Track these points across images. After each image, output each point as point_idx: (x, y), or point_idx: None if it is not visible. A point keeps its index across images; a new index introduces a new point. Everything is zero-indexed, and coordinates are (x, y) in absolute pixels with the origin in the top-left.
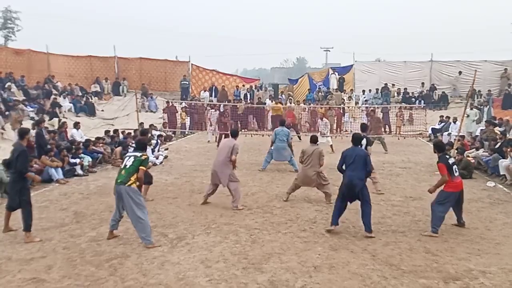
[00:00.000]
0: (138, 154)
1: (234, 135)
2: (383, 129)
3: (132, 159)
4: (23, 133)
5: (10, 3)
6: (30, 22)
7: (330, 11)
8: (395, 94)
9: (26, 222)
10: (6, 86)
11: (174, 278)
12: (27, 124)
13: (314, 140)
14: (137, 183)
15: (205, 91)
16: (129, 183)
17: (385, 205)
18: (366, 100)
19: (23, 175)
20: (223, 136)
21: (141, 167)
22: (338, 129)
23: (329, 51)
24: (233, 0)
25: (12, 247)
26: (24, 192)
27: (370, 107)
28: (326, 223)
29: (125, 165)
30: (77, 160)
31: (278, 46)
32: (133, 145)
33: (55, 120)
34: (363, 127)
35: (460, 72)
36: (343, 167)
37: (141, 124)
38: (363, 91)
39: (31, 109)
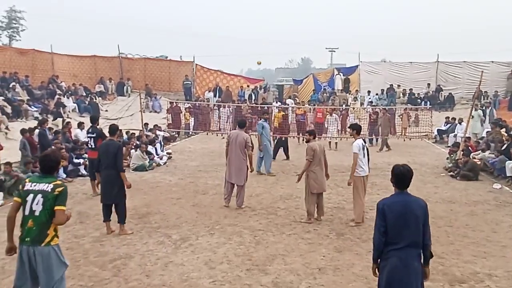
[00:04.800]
0: (47, 185)
1: (242, 126)
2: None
3: (40, 198)
4: (115, 129)
5: (14, 3)
6: (34, 22)
7: (335, 11)
8: (401, 95)
9: (122, 216)
10: (10, 86)
11: (177, 279)
12: (31, 124)
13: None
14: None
15: (209, 91)
16: (46, 240)
17: None
18: (371, 102)
19: (121, 172)
20: None
21: (58, 208)
22: (343, 130)
23: (334, 51)
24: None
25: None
26: (123, 187)
27: (375, 109)
28: (330, 225)
29: (32, 210)
30: (81, 160)
31: (283, 47)
32: (134, 146)
33: (59, 120)
34: (357, 128)
35: None
36: (384, 237)
37: (145, 124)
38: (369, 91)
39: (35, 109)
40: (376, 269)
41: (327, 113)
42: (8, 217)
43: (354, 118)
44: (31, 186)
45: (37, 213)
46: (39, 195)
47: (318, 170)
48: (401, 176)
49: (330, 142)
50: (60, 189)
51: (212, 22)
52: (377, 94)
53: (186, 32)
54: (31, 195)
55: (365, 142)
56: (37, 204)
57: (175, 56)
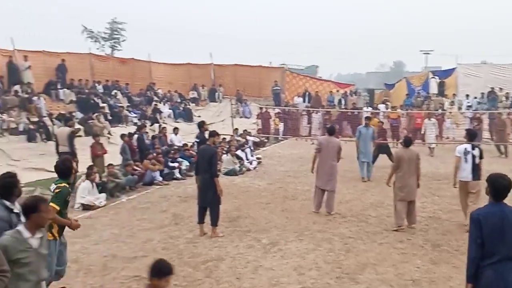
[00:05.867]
0: (53, 186)
1: (332, 132)
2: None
3: (49, 197)
4: (212, 135)
5: (116, 15)
6: (134, 33)
7: (429, 11)
8: (503, 99)
9: (215, 219)
10: (112, 93)
11: (267, 284)
12: (130, 129)
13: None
14: (54, 230)
15: (298, 96)
16: None
17: None
18: (470, 106)
19: (214, 177)
20: None
21: (51, 205)
22: (439, 136)
23: (429, 54)
24: (323, 2)
25: (117, 245)
26: (216, 192)
27: (476, 114)
28: (425, 235)
29: None
30: (176, 164)
31: (374, 50)
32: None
33: (156, 125)
34: (472, 134)
35: None
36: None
37: (236, 129)
38: (467, 95)
39: (134, 115)
40: None
41: (426, 118)
42: None
43: (451, 123)
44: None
45: None
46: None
47: (404, 178)
48: (502, 188)
49: (429, 148)
50: (57, 190)
51: (306, 28)
52: (475, 98)
53: (279, 40)
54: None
55: (473, 148)
56: None
57: (268, 62)
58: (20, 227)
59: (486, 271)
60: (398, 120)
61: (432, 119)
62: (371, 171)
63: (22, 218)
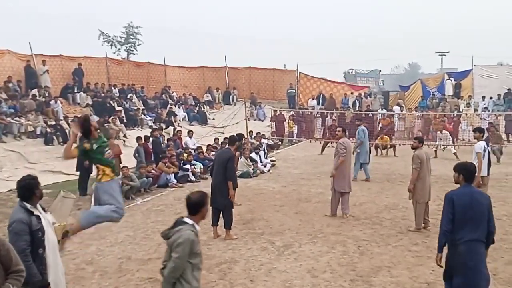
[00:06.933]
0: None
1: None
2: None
3: None
4: (232, 140)
5: (132, 19)
6: (149, 37)
7: (445, 12)
8: None
9: (228, 221)
10: (128, 96)
11: (281, 286)
12: (146, 132)
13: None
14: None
15: (313, 99)
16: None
17: (509, 220)
18: (486, 108)
19: (228, 180)
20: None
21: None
22: (454, 138)
23: (444, 55)
24: (334, 2)
25: (132, 247)
26: (228, 195)
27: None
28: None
29: None
30: (190, 167)
31: (388, 52)
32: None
33: (171, 128)
34: (482, 129)
35: None
36: (451, 224)
37: (250, 132)
38: (483, 97)
39: (149, 118)
40: (440, 259)
41: (438, 131)
42: None
43: (467, 125)
44: None
45: None
46: None
47: (424, 178)
48: (474, 171)
49: (436, 151)
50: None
51: (313, 30)
52: (491, 98)
53: (288, 41)
54: None
55: (487, 145)
56: None
57: (282, 65)
58: (190, 221)
59: (459, 246)
60: (390, 126)
61: (444, 131)
62: (356, 171)
63: (50, 218)
